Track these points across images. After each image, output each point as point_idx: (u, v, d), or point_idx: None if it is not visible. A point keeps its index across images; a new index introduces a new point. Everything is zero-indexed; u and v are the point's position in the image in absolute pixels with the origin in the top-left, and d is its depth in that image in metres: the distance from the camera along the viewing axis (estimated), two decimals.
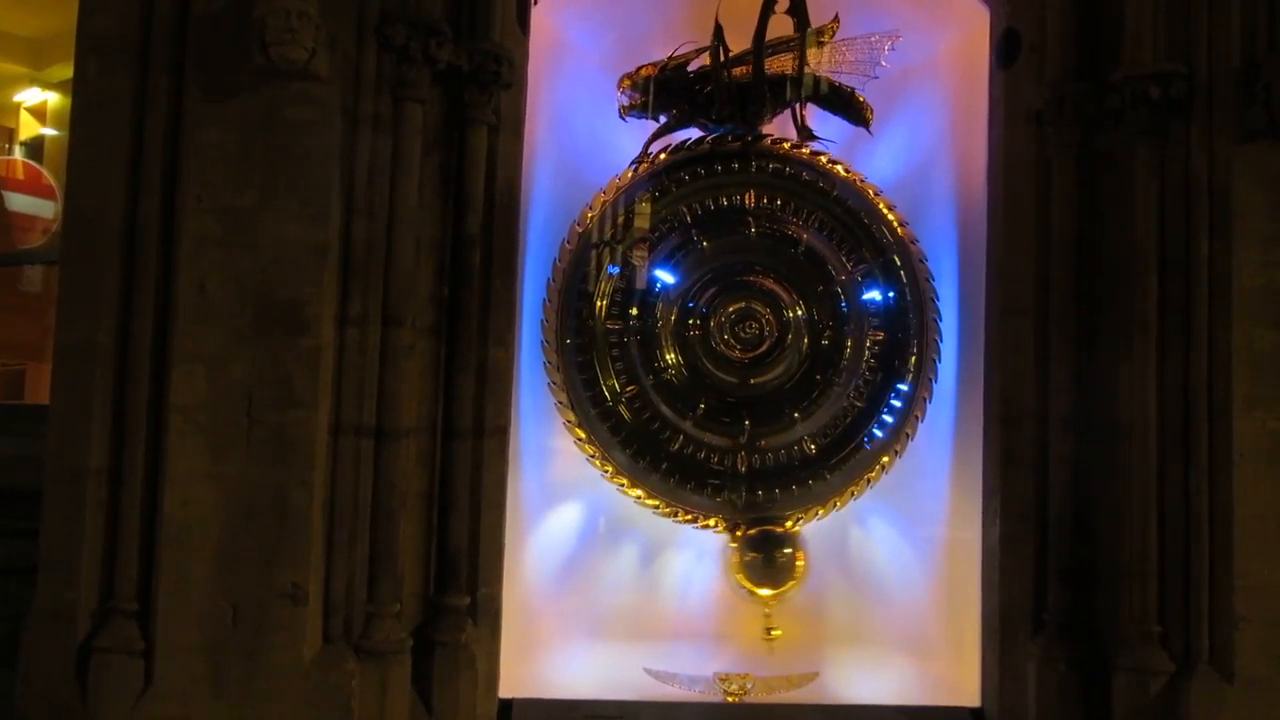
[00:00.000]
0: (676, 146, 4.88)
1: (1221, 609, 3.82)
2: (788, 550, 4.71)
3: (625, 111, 4.87)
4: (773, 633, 4.66)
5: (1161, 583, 3.93)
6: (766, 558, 4.69)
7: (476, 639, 4.16)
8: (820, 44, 4.83)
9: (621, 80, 4.86)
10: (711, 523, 4.80)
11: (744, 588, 4.72)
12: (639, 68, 4.84)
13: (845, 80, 4.89)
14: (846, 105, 4.91)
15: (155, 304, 3.85)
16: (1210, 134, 3.94)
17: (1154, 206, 4.01)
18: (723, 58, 4.77)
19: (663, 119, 4.86)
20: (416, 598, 4.11)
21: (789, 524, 4.76)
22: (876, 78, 4.90)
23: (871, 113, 4.90)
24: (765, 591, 4.69)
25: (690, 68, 4.83)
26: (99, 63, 3.98)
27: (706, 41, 4.79)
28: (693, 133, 4.91)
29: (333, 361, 3.86)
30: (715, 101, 4.79)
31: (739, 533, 4.74)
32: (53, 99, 7.70)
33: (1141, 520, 3.94)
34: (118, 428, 3.85)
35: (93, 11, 4.02)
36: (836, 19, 4.82)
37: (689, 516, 4.79)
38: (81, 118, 4.04)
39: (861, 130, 4.94)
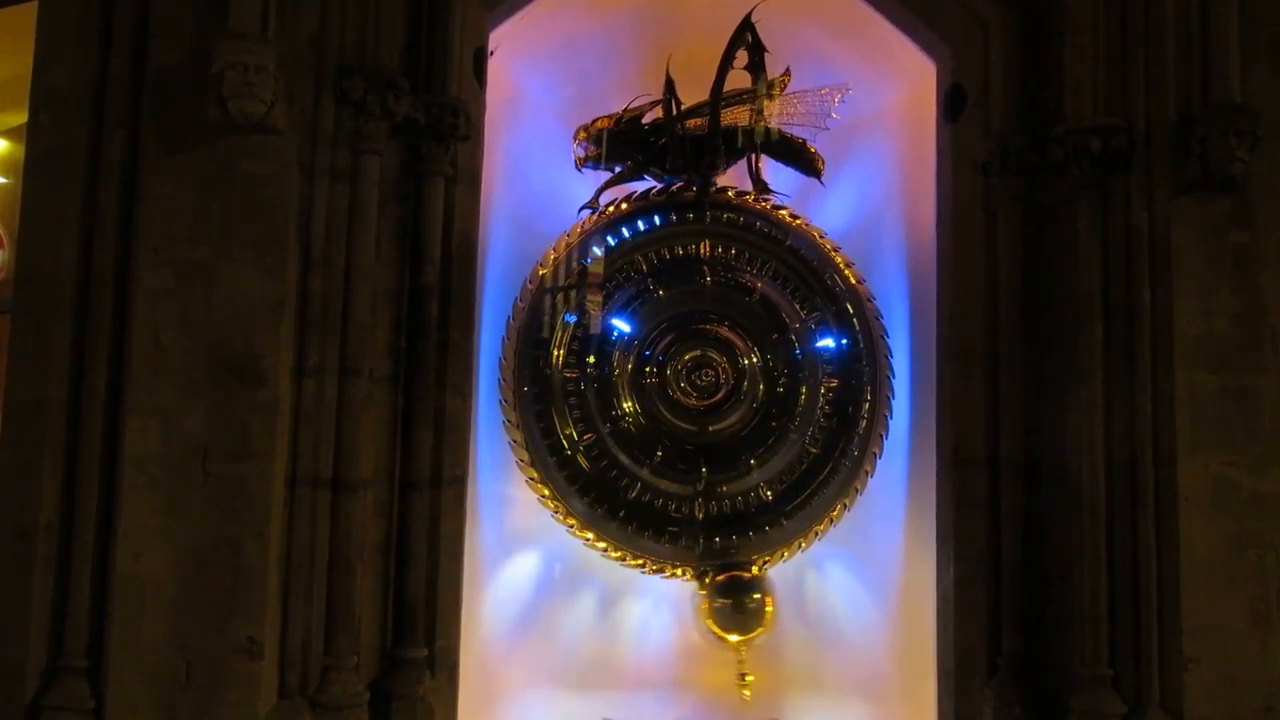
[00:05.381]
0: (631, 197, 4.94)
1: (1171, 651, 3.87)
2: (757, 595, 4.71)
3: (581, 163, 4.94)
4: (747, 678, 4.63)
5: (1112, 626, 3.98)
6: (736, 603, 4.69)
7: (435, 691, 4.14)
8: (771, 96, 4.92)
9: (577, 132, 4.93)
10: (679, 572, 4.80)
11: (713, 633, 4.71)
12: (594, 120, 4.91)
13: (796, 131, 4.99)
14: (798, 156, 5.00)
15: (109, 357, 3.84)
16: (1149, 186, 4.06)
17: (1097, 256, 4.11)
18: (675, 110, 4.84)
19: (617, 169, 4.93)
20: (374, 650, 4.08)
21: (755, 568, 4.77)
22: (827, 129, 5.00)
23: (823, 163, 5.00)
24: (734, 637, 4.68)
25: (644, 120, 4.91)
26: (53, 115, 3.99)
27: (659, 94, 4.87)
28: (647, 183, 4.98)
29: (289, 413, 3.85)
30: (669, 153, 4.85)
31: (707, 579, 4.74)
32: (0, 146, 7.60)
33: (1092, 564, 4.00)
34: (69, 482, 3.82)
35: (47, 64, 4.03)
36: (788, 72, 4.92)
37: (655, 567, 4.80)
38: (34, 170, 4.03)
39: (814, 181, 5.04)
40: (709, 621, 4.70)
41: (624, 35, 4.99)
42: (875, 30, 4.77)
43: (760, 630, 4.69)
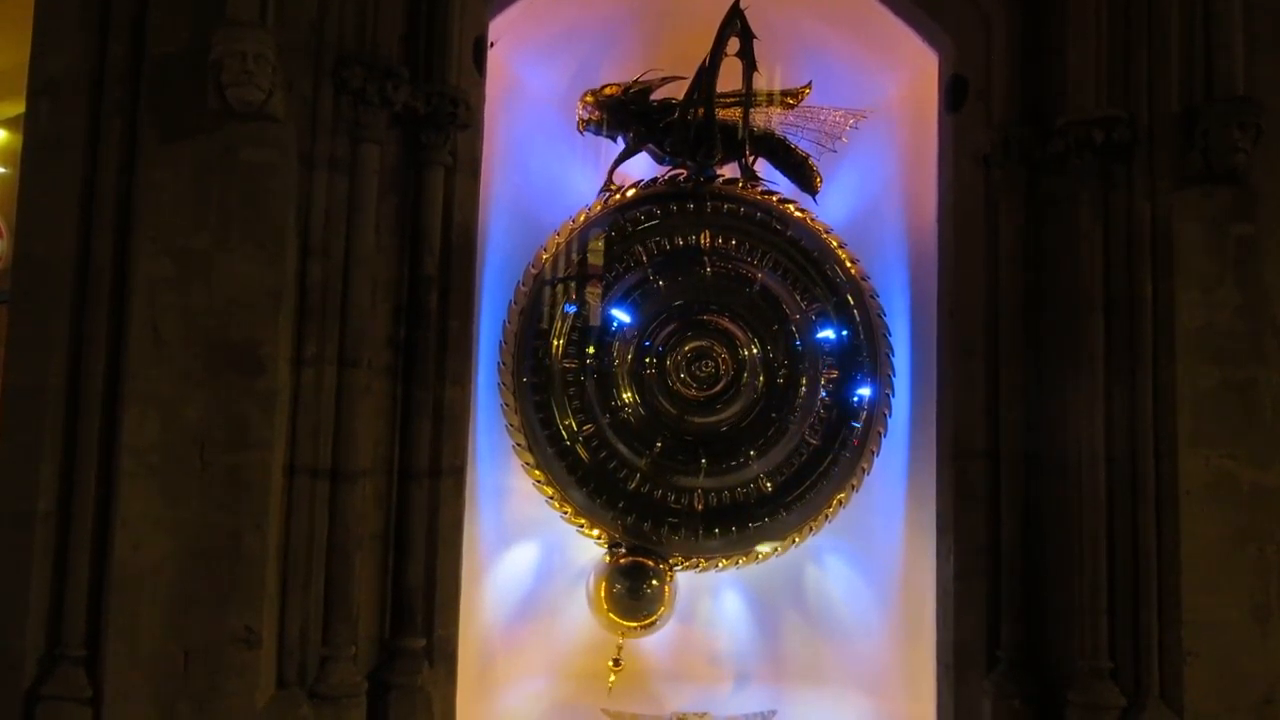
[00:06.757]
0: (633, 186, 4.93)
1: (1170, 644, 3.87)
2: (654, 583, 4.68)
3: (583, 125, 4.95)
4: (619, 665, 4.65)
5: (1112, 618, 3.98)
6: (633, 589, 4.66)
7: (432, 681, 4.14)
8: (789, 105, 4.92)
9: (584, 95, 4.94)
10: (594, 534, 4.78)
11: (607, 619, 4.68)
12: (602, 86, 4.92)
13: (803, 145, 5.00)
14: (799, 169, 5.02)
15: (107, 346, 3.82)
16: (1151, 178, 4.04)
17: (1099, 248, 4.09)
18: (695, 95, 4.83)
19: (620, 141, 4.94)
20: (372, 640, 4.08)
21: (667, 569, 4.72)
22: (834, 150, 5.00)
23: (820, 181, 5.01)
24: (627, 623, 4.66)
25: (654, 96, 4.91)
26: (51, 103, 3.97)
27: (669, 72, 4.87)
28: (649, 173, 4.97)
29: (288, 403, 3.84)
30: (671, 134, 4.84)
31: (615, 552, 4.71)
32: (0, 135, 7.60)
33: (1091, 557, 4.00)
34: (67, 471, 3.80)
35: (45, 52, 4.01)
36: (809, 85, 4.94)
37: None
38: (33, 158, 4.01)
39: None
40: (607, 611, 4.67)
41: (623, 25, 4.99)
42: (877, 20, 4.75)
43: (655, 616, 4.66)
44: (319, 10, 3.96)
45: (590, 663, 4.91)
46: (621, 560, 4.70)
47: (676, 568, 4.77)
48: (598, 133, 4.96)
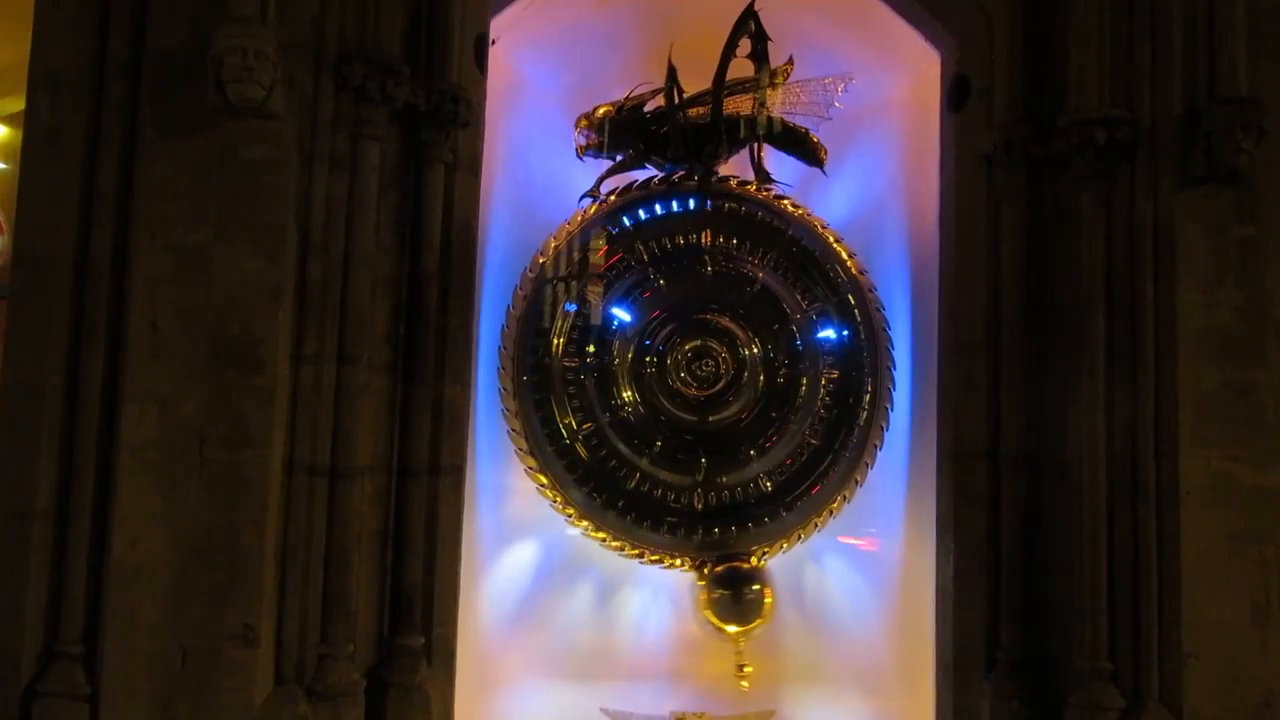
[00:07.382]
0: (633, 186, 4.92)
1: (1170, 646, 3.86)
2: (755, 587, 4.68)
3: (582, 151, 4.92)
4: (745, 669, 4.62)
5: (1112, 620, 3.97)
6: (734, 595, 4.66)
7: (431, 680, 4.13)
8: (774, 85, 4.90)
9: (578, 120, 4.91)
10: (678, 562, 4.77)
11: (712, 625, 4.68)
12: (595, 108, 4.89)
13: (799, 121, 4.96)
14: (800, 146, 4.98)
15: (106, 342, 3.81)
16: (1154, 178, 4.03)
17: (1100, 249, 4.08)
18: (677, 99, 4.82)
19: (619, 158, 4.91)
20: (370, 638, 4.07)
21: (754, 559, 4.73)
22: (830, 119, 4.97)
23: (825, 153, 4.97)
24: (733, 628, 4.65)
25: (646, 108, 4.90)
26: (51, 99, 3.95)
27: (662, 83, 4.85)
28: (649, 172, 4.96)
29: (287, 400, 3.83)
30: (671, 142, 4.83)
31: (706, 570, 4.71)
32: (1, 132, 7.61)
33: (1091, 558, 3.99)
34: (65, 468, 3.79)
35: (45, 47, 3.99)
36: (791, 61, 4.89)
37: (655, 557, 4.78)
38: (32, 154, 4.00)
39: (816, 170, 5.01)
40: (708, 613, 4.67)
41: (626, 23, 4.97)
42: (880, 20, 4.75)
43: (759, 621, 4.66)
44: (320, 6, 3.95)
45: (589, 662, 4.91)
46: (718, 569, 4.69)
47: (766, 558, 4.76)
48: (597, 155, 4.92)
